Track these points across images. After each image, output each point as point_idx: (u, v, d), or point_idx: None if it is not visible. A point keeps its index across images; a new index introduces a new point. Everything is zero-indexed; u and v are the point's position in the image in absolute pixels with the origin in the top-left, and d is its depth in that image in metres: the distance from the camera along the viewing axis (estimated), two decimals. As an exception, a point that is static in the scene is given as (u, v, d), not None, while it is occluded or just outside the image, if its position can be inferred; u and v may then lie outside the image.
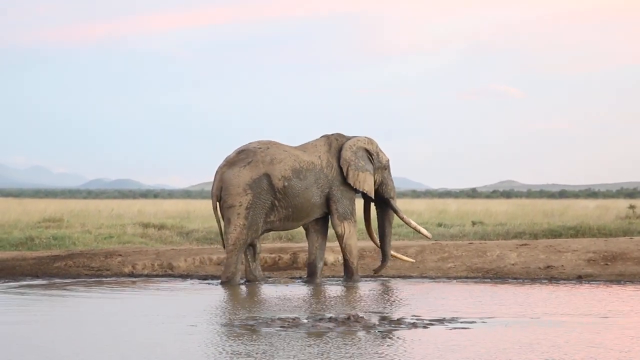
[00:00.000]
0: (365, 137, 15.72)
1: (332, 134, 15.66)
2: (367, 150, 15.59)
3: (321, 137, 15.68)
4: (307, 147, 15.42)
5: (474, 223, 23.95)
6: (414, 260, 16.21)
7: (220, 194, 14.91)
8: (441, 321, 10.47)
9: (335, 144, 15.52)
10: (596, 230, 20.99)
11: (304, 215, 15.16)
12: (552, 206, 34.28)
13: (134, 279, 15.80)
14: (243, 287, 14.55)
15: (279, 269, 16.39)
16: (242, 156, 14.98)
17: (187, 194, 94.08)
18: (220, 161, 15.15)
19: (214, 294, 13.79)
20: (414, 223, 16.07)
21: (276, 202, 14.85)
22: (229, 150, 15.29)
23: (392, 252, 15.88)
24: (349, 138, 15.62)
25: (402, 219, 15.94)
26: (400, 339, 9.39)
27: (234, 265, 14.77)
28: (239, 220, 14.66)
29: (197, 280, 15.64)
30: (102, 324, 10.64)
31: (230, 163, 14.97)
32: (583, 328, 10.11)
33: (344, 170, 15.25)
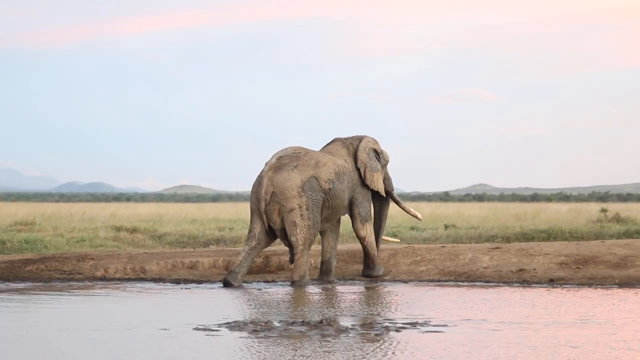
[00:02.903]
0: (371, 137, 16.22)
1: (345, 138, 16.15)
2: (374, 150, 16.11)
3: (335, 141, 16.13)
4: (332, 151, 15.85)
5: (446, 226, 24.04)
6: (399, 240, 16.75)
7: (269, 198, 15.01)
8: (414, 324, 10.49)
9: (352, 147, 15.97)
10: (568, 234, 21.10)
11: (336, 216, 15.71)
12: (525, 209, 34.44)
13: (106, 283, 15.71)
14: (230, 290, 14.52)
15: (251, 273, 16.32)
16: (285, 161, 15.23)
17: (160, 198, 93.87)
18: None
19: (192, 299, 13.76)
20: (413, 210, 16.85)
21: (325, 202, 15.21)
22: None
23: (383, 236, 16.49)
24: (359, 140, 16.06)
25: (403, 208, 16.70)
26: (384, 342, 9.40)
27: (305, 264, 15.12)
28: (304, 221, 14.97)
29: (169, 284, 15.59)
30: (89, 331, 10.57)
31: (276, 168, 15.17)
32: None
33: (362, 171, 15.75)
